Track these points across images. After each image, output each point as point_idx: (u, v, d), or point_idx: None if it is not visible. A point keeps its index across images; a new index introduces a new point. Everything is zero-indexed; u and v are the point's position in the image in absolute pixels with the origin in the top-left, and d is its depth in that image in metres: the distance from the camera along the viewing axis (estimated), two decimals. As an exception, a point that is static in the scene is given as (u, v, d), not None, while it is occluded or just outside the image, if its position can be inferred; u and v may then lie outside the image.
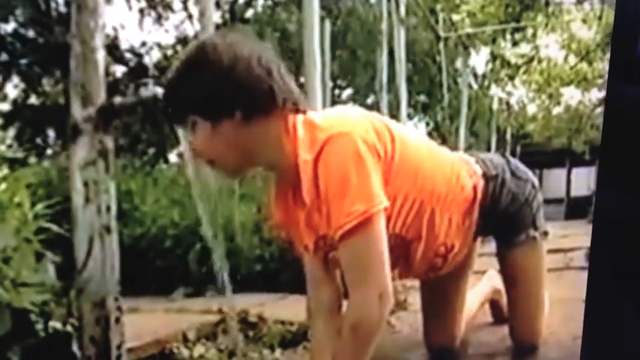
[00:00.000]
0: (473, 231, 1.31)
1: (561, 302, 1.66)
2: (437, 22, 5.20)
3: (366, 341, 1.06)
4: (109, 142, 1.22)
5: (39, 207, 1.37)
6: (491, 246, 1.44)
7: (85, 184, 1.19)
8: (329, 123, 1.08)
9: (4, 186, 1.26)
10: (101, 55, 1.27)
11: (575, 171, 12.68)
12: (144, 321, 1.91)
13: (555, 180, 12.53)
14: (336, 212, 1.04)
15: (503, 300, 1.55)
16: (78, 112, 1.22)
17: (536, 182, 1.40)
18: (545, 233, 1.40)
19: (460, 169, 1.29)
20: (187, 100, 1.05)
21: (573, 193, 12.49)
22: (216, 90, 1.03)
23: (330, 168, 1.04)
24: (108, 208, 1.20)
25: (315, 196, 1.08)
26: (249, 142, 1.07)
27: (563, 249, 3.42)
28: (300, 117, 1.10)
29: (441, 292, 1.42)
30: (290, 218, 1.19)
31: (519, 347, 1.44)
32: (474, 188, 1.29)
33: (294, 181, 1.10)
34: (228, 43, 1.06)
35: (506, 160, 1.39)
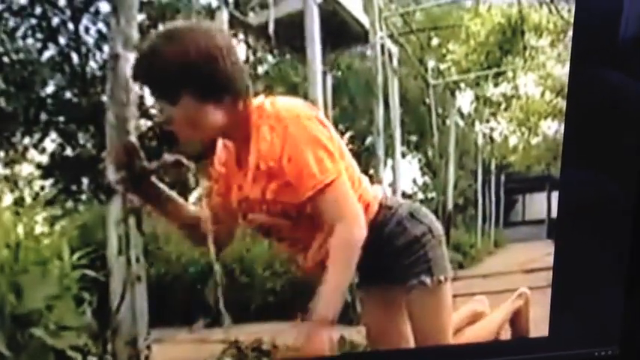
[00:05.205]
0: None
1: (547, 319, 1.66)
2: (426, 71, 5.27)
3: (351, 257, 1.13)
4: (139, 201, 1.27)
5: (76, 256, 1.40)
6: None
7: (119, 238, 1.23)
8: (291, 104, 1.18)
9: (47, 241, 1.30)
10: (132, 125, 1.33)
11: (554, 194, 12.55)
12: (168, 351, 1.92)
13: (537, 203, 12.38)
14: (305, 176, 1.13)
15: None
16: (111, 174, 1.27)
17: (437, 231, 1.27)
18: (443, 279, 1.24)
19: (364, 181, 1.27)
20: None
21: (553, 214, 12.37)
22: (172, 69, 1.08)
23: (296, 141, 1.13)
24: (137, 259, 1.24)
25: (270, 160, 1.15)
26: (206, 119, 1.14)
27: (547, 267, 3.36)
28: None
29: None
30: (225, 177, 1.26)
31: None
32: (367, 205, 1.24)
33: (243, 146, 1.18)
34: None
35: (409, 204, 1.29)
